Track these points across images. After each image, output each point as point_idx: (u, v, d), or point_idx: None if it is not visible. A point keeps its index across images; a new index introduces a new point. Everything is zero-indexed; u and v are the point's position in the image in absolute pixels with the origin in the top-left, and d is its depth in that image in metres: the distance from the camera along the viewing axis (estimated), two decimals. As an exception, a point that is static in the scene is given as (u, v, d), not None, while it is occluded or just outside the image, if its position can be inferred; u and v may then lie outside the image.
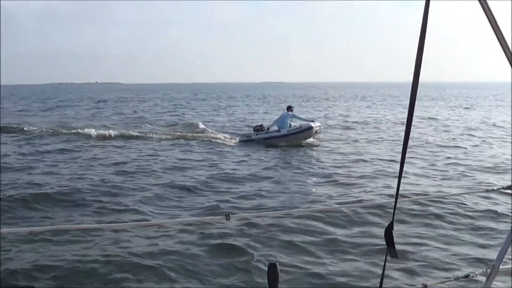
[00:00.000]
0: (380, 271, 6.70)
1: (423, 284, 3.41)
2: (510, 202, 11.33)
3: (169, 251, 8.60)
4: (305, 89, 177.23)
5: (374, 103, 67.33)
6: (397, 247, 2.03)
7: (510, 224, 2.93)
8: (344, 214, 10.66)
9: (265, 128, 24.92)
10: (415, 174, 15.72)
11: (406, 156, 1.91)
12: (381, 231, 1.98)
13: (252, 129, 25.97)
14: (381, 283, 2.03)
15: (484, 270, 2.90)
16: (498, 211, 10.93)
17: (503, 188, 3.45)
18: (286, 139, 23.92)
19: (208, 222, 9.65)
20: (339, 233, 9.68)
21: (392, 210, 2.03)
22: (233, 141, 25.58)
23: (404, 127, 1.87)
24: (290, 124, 24.28)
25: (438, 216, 10.72)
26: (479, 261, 8.13)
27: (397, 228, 8.86)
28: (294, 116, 24.63)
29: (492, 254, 7.93)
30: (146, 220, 10.47)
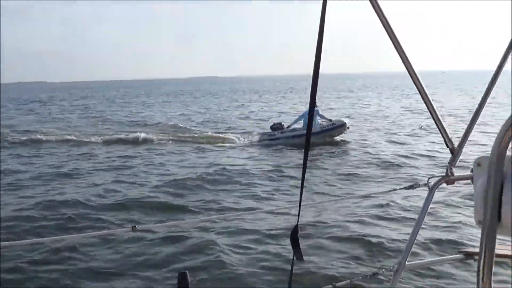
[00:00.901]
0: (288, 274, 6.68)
1: (331, 284, 3.39)
2: (411, 200, 11.75)
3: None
4: (243, 82, 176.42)
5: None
6: (303, 248, 2.00)
7: (415, 222, 2.99)
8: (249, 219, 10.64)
9: (285, 127, 23.25)
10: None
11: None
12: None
13: (270, 128, 24.01)
14: (289, 285, 1.97)
15: (392, 267, 2.92)
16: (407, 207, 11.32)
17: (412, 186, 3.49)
18: (318, 136, 22.19)
19: (113, 234, 9.30)
20: (244, 238, 9.63)
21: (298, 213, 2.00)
22: (247, 140, 24.38)
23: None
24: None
25: (347, 215, 10.94)
26: (387, 259, 8.35)
27: (302, 231, 8.95)
28: (318, 113, 22.71)
29: (400, 252, 8.17)
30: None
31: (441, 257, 5.90)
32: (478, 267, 1.16)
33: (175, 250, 9.05)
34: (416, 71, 2.60)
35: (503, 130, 1.11)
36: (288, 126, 23.30)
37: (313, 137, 21.48)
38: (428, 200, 2.96)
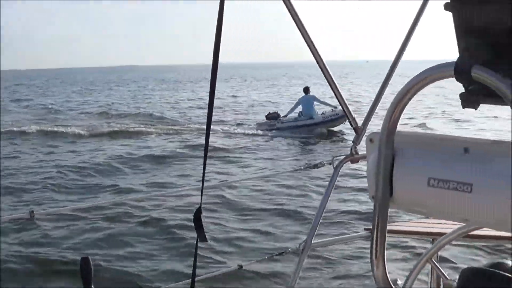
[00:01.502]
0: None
1: (238, 265, 3.37)
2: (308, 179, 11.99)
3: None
4: (164, 72, 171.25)
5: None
6: (208, 231, 1.93)
7: (320, 201, 3.05)
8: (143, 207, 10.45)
9: (281, 116, 21.74)
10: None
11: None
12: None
13: (265, 117, 22.51)
14: (194, 268, 1.90)
15: (298, 247, 2.93)
16: (307, 190, 11.53)
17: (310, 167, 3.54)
18: (322, 126, 20.90)
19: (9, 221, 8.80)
20: (150, 228, 9.42)
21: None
22: (240, 130, 22.35)
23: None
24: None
25: (249, 199, 11.00)
26: (293, 238, 8.46)
27: (206, 214, 8.90)
28: (315, 99, 21.15)
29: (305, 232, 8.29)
30: None
31: (346, 235, 6.05)
32: (372, 243, 1.18)
33: (76, 235, 8.73)
34: (323, 59, 2.73)
35: (392, 105, 1.12)
36: (285, 116, 21.90)
37: (314, 127, 20.83)
38: (333, 179, 3.00)
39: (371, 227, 3.42)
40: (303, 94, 21.06)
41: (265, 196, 11.15)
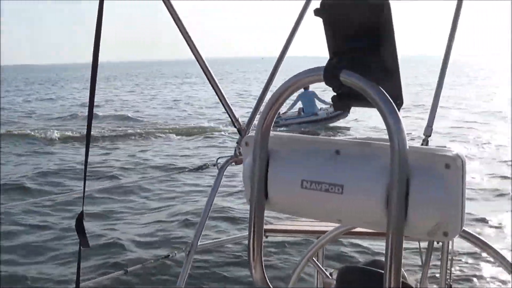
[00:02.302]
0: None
1: (124, 269, 3.31)
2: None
3: None
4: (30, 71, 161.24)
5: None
6: (91, 236, 1.89)
7: (205, 203, 3.06)
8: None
9: (281, 113, 20.08)
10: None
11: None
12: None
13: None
14: (77, 274, 1.84)
15: (184, 249, 2.93)
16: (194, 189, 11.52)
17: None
18: (325, 123, 20.71)
19: None
20: (33, 234, 9.02)
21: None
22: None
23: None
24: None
25: (137, 202, 10.83)
26: (181, 241, 8.42)
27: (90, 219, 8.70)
28: (316, 95, 20.67)
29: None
30: None
31: (233, 236, 6.12)
32: (248, 246, 1.18)
33: None
34: (203, 57, 2.73)
35: (266, 109, 1.13)
36: (285, 112, 21.07)
37: (318, 124, 20.54)
38: (218, 180, 3.02)
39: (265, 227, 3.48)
40: (302, 90, 20.16)
41: (154, 198, 11.03)
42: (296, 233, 4.30)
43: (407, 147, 1.00)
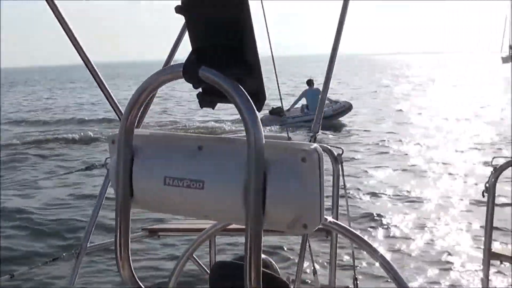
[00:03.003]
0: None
1: (9, 274, 3.22)
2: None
3: None
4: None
5: None
6: None
7: (94, 204, 3.02)
8: None
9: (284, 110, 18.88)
10: None
11: None
12: None
13: (268, 113, 20.26)
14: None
15: (73, 251, 2.89)
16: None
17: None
18: (332, 119, 20.24)
19: None
20: None
21: None
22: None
23: None
24: None
25: (27, 204, 10.40)
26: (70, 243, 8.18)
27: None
28: (318, 93, 18.66)
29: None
30: None
31: None
32: (115, 245, 1.16)
33: None
34: (91, 60, 2.73)
35: (129, 106, 1.13)
36: (288, 110, 20.49)
37: (324, 120, 18.98)
38: (107, 180, 2.98)
39: (149, 227, 3.52)
40: (307, 87, 20.52)
41: (44, 200, 10.63)
42: (189, 232, 4.20)
43: (263, 142, 1.01)
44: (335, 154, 3.02)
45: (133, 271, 1.17)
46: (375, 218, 9.11)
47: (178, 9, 1.08)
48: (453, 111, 24.49)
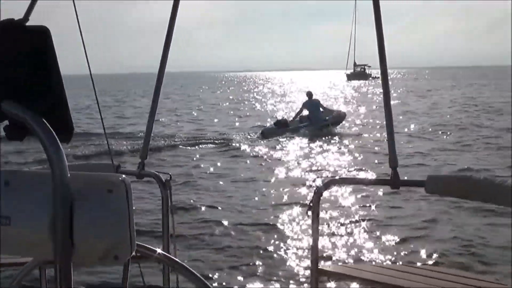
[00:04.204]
0: None
1: None
2: None
3: None
4: None
5: None
6: None
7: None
8: None
9: (289, 121, 22.56)
10: None
11: None
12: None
13: (274, 124, 22.46)
14: None
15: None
16: None
17: None
18: (332, 127, 22.29)
19: None
20: None
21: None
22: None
23: None
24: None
25: None
26: None
27: None
28: (319, 103, 22.59)
29: None
30: None
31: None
32: None
33: None
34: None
35: None
36: (292, 120, 22.72)
37: (326, 128, 21.80)
38: None
39: None
40: (307, 99, 22.23)
41: None
42: (12, 266, 4.01)
43: (68, 175, 1.01)
44: (163, 179, 3.03)
45: None
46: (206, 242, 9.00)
47: None
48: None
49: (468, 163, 15.48)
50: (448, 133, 22.69)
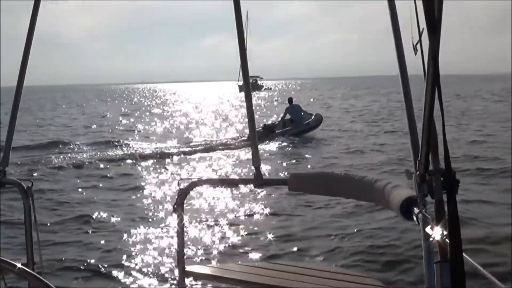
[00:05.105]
0: None
1: None
2: None
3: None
4: None
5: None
6: None
7: None
8: None
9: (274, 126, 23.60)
10: None
11: None
12: None
13: (261, 129, 22.47)
14: None
15: None
16: None
17: None
18: (314, 130, 23.80)
19: None
20: None
21: None
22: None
23: None
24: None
25: None
26: None
27: None
28: (300, 108, 24.25)
29: None
30: None
31: None
32: None
33: None
34: None
35: None
36: (277, 124, 23.83)
37: (308, 131, 23.44)
38: None
39: None
40: (288, 105, 23.79)
41: None
42: None
43: None
44: (25, 187, 2.87)
45: None
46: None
47: None
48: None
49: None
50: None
